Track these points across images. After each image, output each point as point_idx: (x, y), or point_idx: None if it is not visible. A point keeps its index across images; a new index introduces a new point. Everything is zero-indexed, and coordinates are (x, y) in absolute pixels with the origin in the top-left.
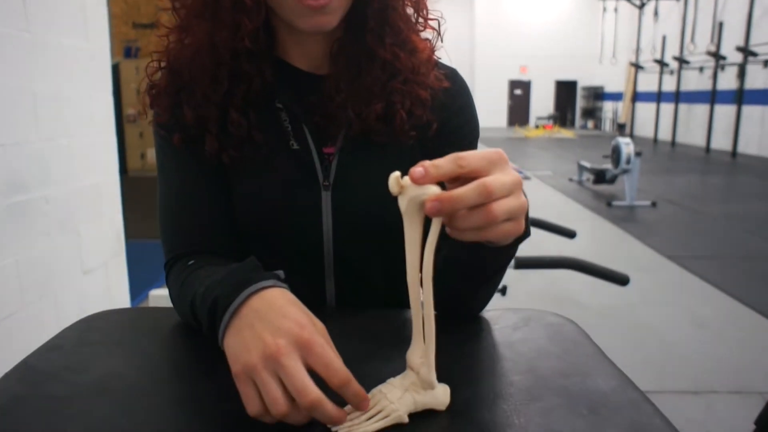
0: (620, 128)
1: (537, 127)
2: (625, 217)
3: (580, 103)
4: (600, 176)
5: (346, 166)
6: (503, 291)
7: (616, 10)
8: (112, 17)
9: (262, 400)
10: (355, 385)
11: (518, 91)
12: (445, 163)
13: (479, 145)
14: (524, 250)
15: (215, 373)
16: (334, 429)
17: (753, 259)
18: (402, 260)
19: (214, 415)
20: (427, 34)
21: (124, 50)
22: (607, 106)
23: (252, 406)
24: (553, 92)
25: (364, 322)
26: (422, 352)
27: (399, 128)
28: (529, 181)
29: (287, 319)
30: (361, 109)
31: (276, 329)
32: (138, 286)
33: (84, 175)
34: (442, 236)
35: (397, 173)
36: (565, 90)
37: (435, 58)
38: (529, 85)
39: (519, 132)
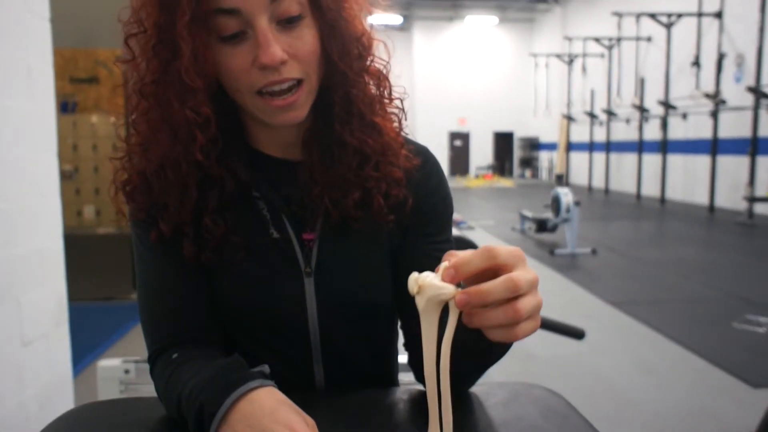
0: (558, 179)
1: (477, 176)
2: (568, 265)
3: (517, 153)
4: (542, 225)
5: (327, 252)
6: None
7: (547, 65)
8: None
9: None
10: None
11: (458, 142)
12: (475, 258)
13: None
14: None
15: None
16: None
17: (690, 302)
18: (386, 339)
19: None
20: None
21: (61, 105)
22: (543, 156)
23: None
24: (492, 143)
25: (354, 405)
26: None
27: (377, 213)
28: (473, 231)
29: (279, 424)
30: (337, 198)
31: None
32: (80, 353)
33: (25, 239)
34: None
35: (415, 274)
36: (503, 141)
37: (404, 135)
38: (468, 136)
39: (460, 182)
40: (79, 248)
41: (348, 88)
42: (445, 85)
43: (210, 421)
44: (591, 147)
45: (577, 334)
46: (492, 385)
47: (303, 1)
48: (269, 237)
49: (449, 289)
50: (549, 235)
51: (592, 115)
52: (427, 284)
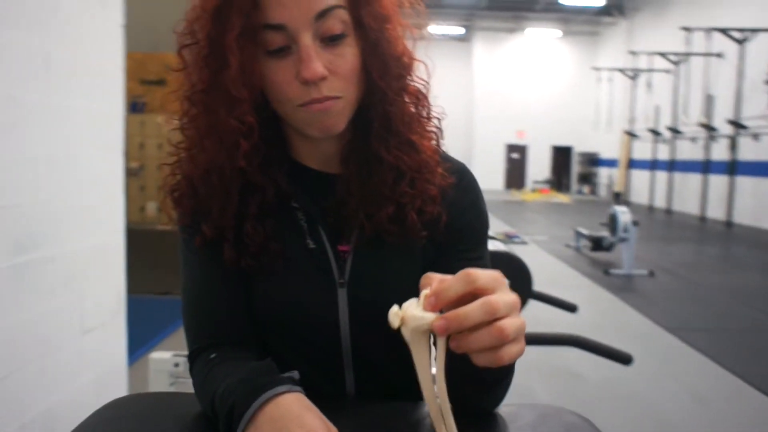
0: (616, 197)
1: (533, 190)
2: (622, 287)
3: (575, 169)
4: (597, 243)
5: (361, 264)
6: None
7: (610, 80)
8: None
9: None
10: None
11: (515, 155)
12: (455, 284)
13: None
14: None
15: None
16: None
17: (751, 332)
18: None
19: None
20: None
21: (131, 105)
22: (603, 172)
23: None
24: (550, 157)
25: (382, 416)
26: None
27: (410, 229)
28: (527, 246)
29: (303, 429)
30: (372, 212)
31: None
32: (135, 345)
33: (90, 234)
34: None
35: (395, 307)
36: (561, 155)
37: (442, 152)
38: (525, 149)
39: (516, 195)
40: (140, 243)
41: (386, 106)
42: (504, 97)
43: (239, 421)
44: (653, 165)
45: (623, 358)
46: (520, 406)
47: (347, 20)
48: (305, 247)
49: (430, 317)
50: (604, 255)
51: (655, 133)
52: (409, 316)
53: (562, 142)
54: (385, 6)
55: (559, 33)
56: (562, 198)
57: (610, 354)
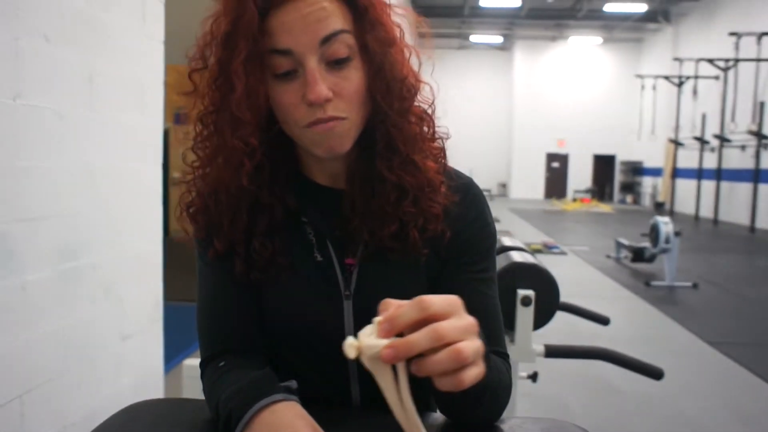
0: (658, 206)
1: (574, 200)
2: (664, 299)
3: (618, 178)
4: (638, 254)
5: (366, 277)
6: (534, 377)
7: (654, 87)
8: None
9: None
10: None
11: (555, 164)
12: (408, 311)
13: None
14: (556, 335)
15: None
16: None
17: None
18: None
19: None
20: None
21: (174, 117)
22: (647, 182)
23: None
24: (591, 166)
25: (387, 426)
26: None
27: (412, 246)
28: (566, 256)
29: None
30: (375, 229)
31: None
32: (172, 351)
33: (130, 243)
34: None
35: (350, 339)
36: (604, 164)
37: (448, 168)
38: (566, 158)
39: (556, 205)
40: (180, 251)
41: (389, 127)
42: (544, 106)
43: (236, 426)
44: (700, 174)
45: (654, 373)
46: (525, 419)
47: (352, 44)
48: (314, 260)
49: (381, 343)
50: (646, 266)
51: (702, 141)
52: (364, 345)
53: (605, 151)
54: (390, 30)
55: (600, 40)
56: (603, 207)
57: (640, 368)
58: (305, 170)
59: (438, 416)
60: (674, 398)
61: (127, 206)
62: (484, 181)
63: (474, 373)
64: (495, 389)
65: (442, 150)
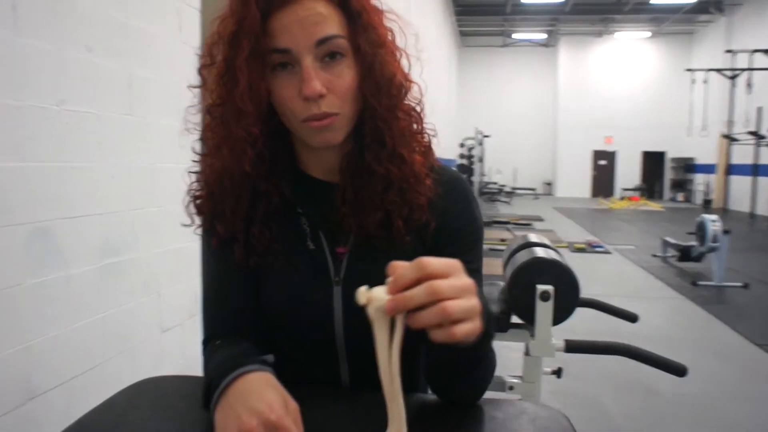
0: (706, 204)
1: (622, 198)
2: (711, 299)
3: (669, 175)
4: (685, 253)
5: (355, 265)
6: (558, 373)
7: (705, 81)
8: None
9: None
10: None
11: (603, 162)
12: (407, 271)
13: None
14: (585, 331)
15: None
16: None
17: None
18: (408, 347)
19: None
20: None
21: None
22: (699, 179)
23: None
24: (640, 163)
25: (374, 403)
26: (396, 430)
27: (396, 235)
28: (610, 255)
29: (262, 401)
30: (362, 219)
31: (251, 410)
32: None
33: (168, 240)
34: (425, 340)
35: (362, 288)
36: (653, 161)
37: (437, 163)
38: (614, 155)
39: (603, 203)
40: None
41: (378, 122)
42: (590, 103)
43: (213, 394)
44: (755, 170)
45: (677, 370)
46: (504, 401)
47: (345, 46)
48: (307, 248)
49: (388, 297)
50: (694, 265)
51: (758, 136)
52: (374, 297)
53: (654, 148)
54: (380, 34)
55: (647, 34)
56: (652, 206)
57: (662, 364)
58: (302, 164)
59: (419, 396)
60: (719, 401)
61: (167, 205)
62: (528, 179)
63: (466, 327)
64: (486, 365)
65: (429, 145)
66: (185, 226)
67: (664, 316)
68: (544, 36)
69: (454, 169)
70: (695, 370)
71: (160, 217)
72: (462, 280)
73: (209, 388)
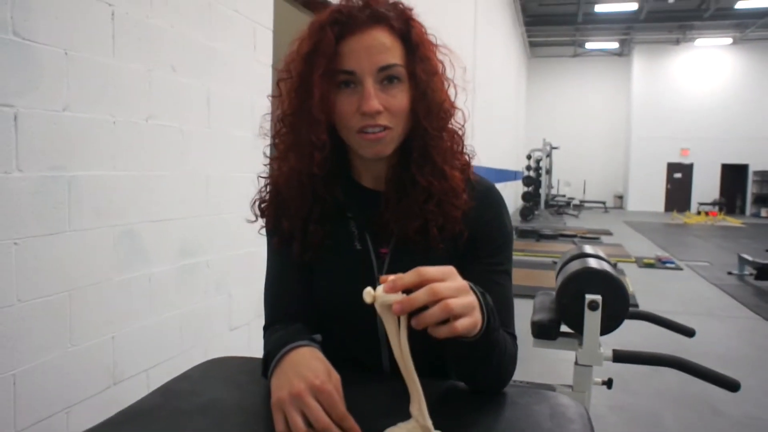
0: None
1: (698, 213)
2: None
3: (752, 189)
4: (763, 271)
5: (396, 264)
6: (609, 384)
7: None
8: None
9: (287, 425)
10: (350, 421)
11: (678, 175)
12: (407, 277)
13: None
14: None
15: None
16: None
17: None
18: (437, 342)
19: None
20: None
21: None
22: None
23: (278, 427)
24: (719, 176)
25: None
26: (417, 405)
27: (432, 241)
28: (681, 271)
29: (310, 370)
30: (403, 225)
31: (299, 376)
32: None
33: (239, 244)
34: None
35: (368, 288)
36: (734, 174)
37: (473, 175)
38: (690, 168)
39: (676, 218)
40: None
41: (427, 140)
42: (665, 113)
43: (270, 363)
44: None
45: (730, 384)
46: (531, 391)
47: (402, 72)
48: (354, 248)
49: (393, 298)
50: None
51: None
52: (378, 295)
53: (735, 160)
54: (434, 64)
55: (729, 41)
56: (731, 221)
57: (714, 378)
58: (354, 174)
59: (449, 383)
60: None
61: (238, 212)
62: (598, 192)
63: (466, 322)
64: (502, 353)
65: (468, 164)
66: (250, 222)
67: (737, 337)
68: (617, 45)
69: (488, 180)
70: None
71: (233, 222)
72: (457, 281)
73: (267, 359)
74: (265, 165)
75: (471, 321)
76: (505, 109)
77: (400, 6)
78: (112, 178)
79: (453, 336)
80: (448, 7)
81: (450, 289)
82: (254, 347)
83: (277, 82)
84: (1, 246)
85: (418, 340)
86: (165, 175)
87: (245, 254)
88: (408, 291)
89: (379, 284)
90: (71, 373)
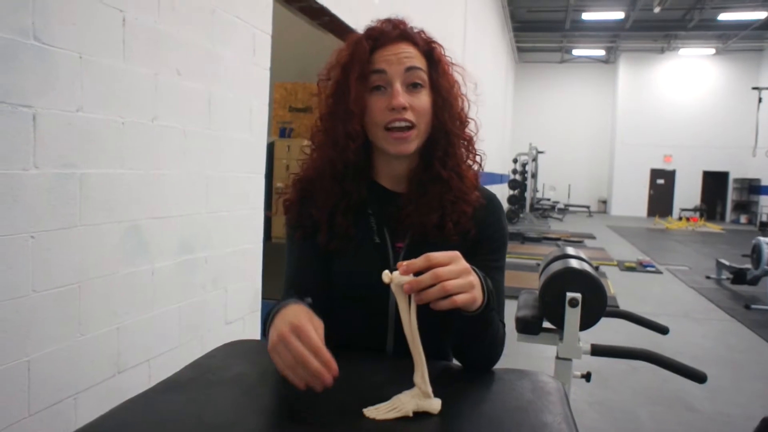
0: (763, 226)
1: (680, 219)
2: (765, 323)
3: (732, 196)
4: (739, 276)
5: (411, 256)
6: (587, 377)
7: None
8: (273, 102)
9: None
10: (325, 354)
11: (661, 181)
12: (418, 261)
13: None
14: (621, 342)
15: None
16: (366, 412)
17: None
18: (444, 324)
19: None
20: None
21: (280, 131)
22: (765, 201)
23: (279, 367)
24: (701, 183)
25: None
26: (421, 374)
27: (447, 234)
28: (661, 275)
29: (294, 317)
30: (422, 220)
31: (285, 322)
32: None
33: (235, 241)
34: (450, 314)
35: (386, 271)
36: (715, 181)
37: (480, 186)
38: (673, 174)
39: (659, 223)
40: (281, 255)
41: (450, 139)
42: (649, 120)
43: (268, 318)
44: None
45: (697, 376)
46: (512, 372)
47: (424, 79)
48: (373, 241)
49: (406, 279)
50: (749, 288)
51: None
52: (395, 276)
53: (716, 168)
54: (451, 79)
55: (711, 51)
56: (712, 227)
57: (683, 371)
58: (375, 175)
59: (446, 364)
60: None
61: (235, 210)
62: (582, 196)
63: (464, 297)
64: (495, 333)
65: (479, 169)
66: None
67: (713, 338)
68: (603, 52)
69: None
70: (739, 391)
71: (231, 220)
72: (459, 265)
73: (266, 318)
74: (300, 158)
75: (469, 297)
76: (492, 113)
77: (424, 33)
78: (120, 175)
79: (454, 308)
80: (439, 13)
81: (451, 273)
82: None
83: (318, 82)
84: (19, 239)
85: (425, 322)
86: (167, 174)
87: (241, 251)
88: (418, 273)
89: (396, 270)
90: (79, 361)
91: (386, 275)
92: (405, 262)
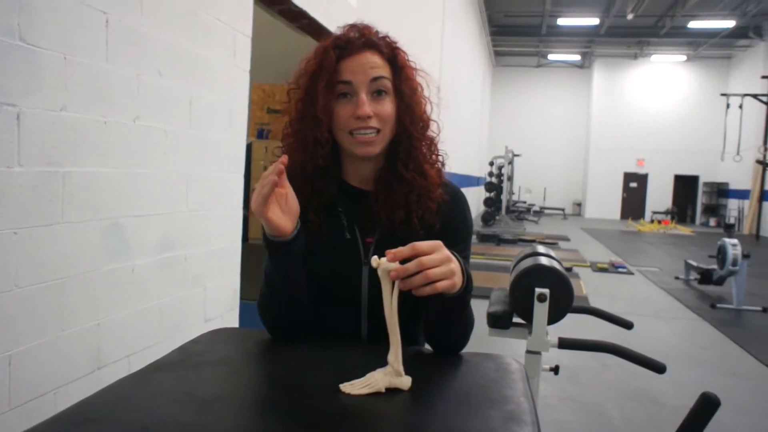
0: (728, 228)
1: (652, 221)
2: (729, 321)
3: (702, 199)
4: (705, 276)
5: (380, 250)
6: (555, 370)
7: (741, 106)
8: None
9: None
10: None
11: (634, 184)
12: (405, 250)
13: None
14: (582, 333)
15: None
16: (342, 387)
17: None
18: (415, 313)
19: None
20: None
21: (258, 132)
22: (733, 204)
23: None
24: (672, 187)
25: (384, 352)
26: (395, 354)
27: (414, 229)
28: (632, 276)
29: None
30: (389, 216)
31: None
32: None
33: (215, 240)
34: (430, 299)
35: (375, 257)
36: (686, 185)
37: (443, 179)
38: (645, 178)
39: (631, 225)
40: (258, 256)
41: (412, 143)
42: (623, 124)
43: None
44: None
45: (657, 367)
46: (479, 355)
47: (389, 87)
48: (344, 237)
49: (392, 265)
50: (715, 288)
51: None
52: (382, 262)
53: (687, 172)
54: (415, 84)
55: (683, 58)
56: (682, 230)
57: (644, 362)
58: (344, 175)
59: (416, 349)
60: (727, 417)
61: (215, 209)
62: (557, 199)
63: (445, 283)
64: (468, 316)
65: (441, 167)
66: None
67: (680, 336)
68: (579, 57)
69: (454, 184)
70: (704, 386)
71: (211, 219)
72: (442, 253)
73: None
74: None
75: (449, 283)
76: (469, 116)
77: (388, 38)
78: (102, 174)
79: (435, 293)
80: (417, 15)
81: (434, 261)
82: None
83: (288, 91)
84: (3, 235)
85: (404, 310)
86: (149, 173)
87: (221, 250)
88: (404, 261)
89: (384, 257)
90: (61, 356)
91: (375, 260)
92: (393, 250)
